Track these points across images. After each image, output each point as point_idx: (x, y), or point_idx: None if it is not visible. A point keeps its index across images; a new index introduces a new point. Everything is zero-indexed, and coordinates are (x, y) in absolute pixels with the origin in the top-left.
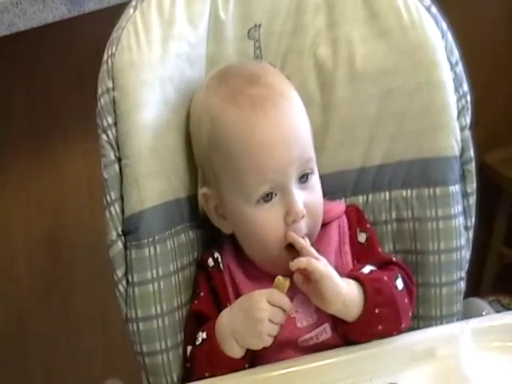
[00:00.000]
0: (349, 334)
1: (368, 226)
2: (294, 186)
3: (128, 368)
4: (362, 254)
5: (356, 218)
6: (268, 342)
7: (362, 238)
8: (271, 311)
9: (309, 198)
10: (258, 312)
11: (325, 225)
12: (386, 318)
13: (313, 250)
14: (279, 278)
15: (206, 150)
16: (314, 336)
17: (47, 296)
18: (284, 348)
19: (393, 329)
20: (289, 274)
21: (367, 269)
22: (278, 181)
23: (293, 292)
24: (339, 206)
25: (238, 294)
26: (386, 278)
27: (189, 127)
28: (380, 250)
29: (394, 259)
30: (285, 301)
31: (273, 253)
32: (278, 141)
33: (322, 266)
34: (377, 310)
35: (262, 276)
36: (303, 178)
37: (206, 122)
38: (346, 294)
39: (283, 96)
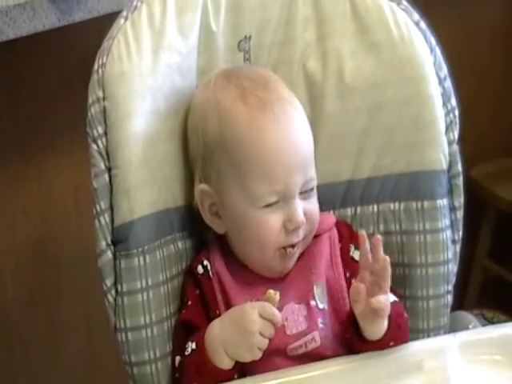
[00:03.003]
0: (353, 346)
1: None
2: (297, 194)
3: (113, 378)
4: (357, 272)
5: (348, 232)
6: (258, 355)
7: (356, 255)
8: (262, 324)
9: (308, 206)
10: (249, 325)
11: (316, 236)
12: (393, 345)
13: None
14: (270, 292)
15: (210, 146)
16: (303, 344)
17: (32, 304)
18: (273, 356)
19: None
20: (279, 281)
21: (391, 298)
22: (284, 191)
23: (283, 299)
24: (330, 218)
25: (227, 301)
26: (405, 315)
27: (182, 135)
28: None
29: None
30: (276, 315)
31: (268, 255)
32: (287, 147)
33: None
34: (391, 343)
35: (251, 281)
36: (307, 189)
37: (213, 118)
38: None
39: (291, 104)
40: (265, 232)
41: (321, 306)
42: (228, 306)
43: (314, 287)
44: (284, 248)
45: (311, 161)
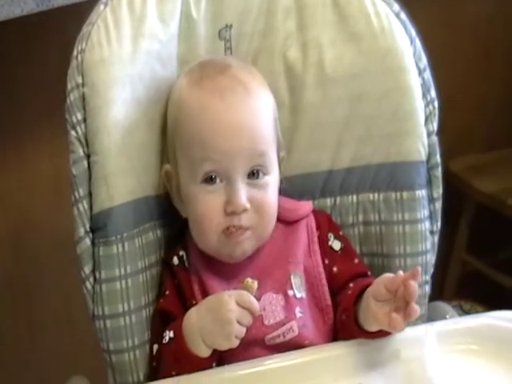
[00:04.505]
0: (348, 330)
1: (341, 233)
2: (240, 178)
3: (93, 365)
4: (338, 262)
5: (326, 221)
6: (235, 343)
7: (336, 245)
8: (240, 312)
9: (257, 194)
10: (226, 313)
11: (293, 223)
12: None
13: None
14: (248, 280)
15: (171, 130)
16: (281, 334)
17: (10, 293)
18: (251, 346)
19: None
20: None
21: None
22: (222, 165)
23: (261, 289)
24: (307, 205)
25: (204, 291)
26: None
27: (162, 123)
28: (357, 260)
29: (368, 272)
30: (254, 303)
31: (211, 237)
32: (228, 125)
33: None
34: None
35: (227, 271)
36: (254, 175)
37: (174, 103)
38: None
39: (247, 90)
40: (204, 211)
41: (298, 295)
42: (205, 295)
43: (292, 277)
44: (225, 230)
45: (262, 149)
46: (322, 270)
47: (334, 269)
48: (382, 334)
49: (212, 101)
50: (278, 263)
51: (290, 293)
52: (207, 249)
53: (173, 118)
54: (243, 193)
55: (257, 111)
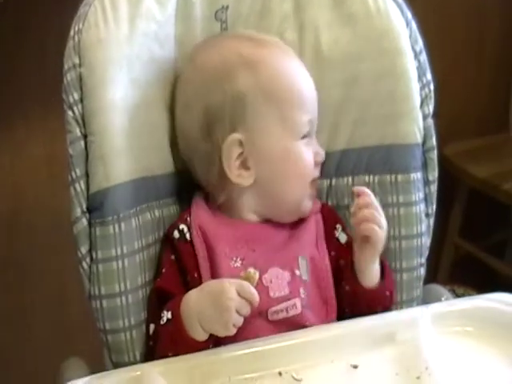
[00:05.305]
0: (355, 297)
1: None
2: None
3: (88, 345)
4: (344, 254)
5: (331, 215)
6: (232, 331)
7: (342, 238)
8: (239, 302)
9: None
10: (226, 301)
11: (304, 219)
12: (387, 305)
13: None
14: (250, 271)
15: (242, 96)
16: (284, 309)
17: (4, 275)
18: (254, 320)
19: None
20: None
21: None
22: (311, 122)
23: (268, 262)
24: (317, 204)
25: (212, 259)
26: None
27: (161, 104)
28: None
29: None
30: (254, 295)
31: (305, 188)
32: (310, 82)
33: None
34: (387, 293)
35: (239, 237)
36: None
37: (240, 70)
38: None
39: (289, 48)
40: (305, 163)
41: (304, 277)
42: (212, 264)
43: (300, 258)
44: (313, 181)
45: None
46: (327, 262)
47: (341, 261)
48: (384, 287)
49: (289, 60)
50: (287, 243)
51: (297, 272)
52: (289, 204)
53: (245, 84)
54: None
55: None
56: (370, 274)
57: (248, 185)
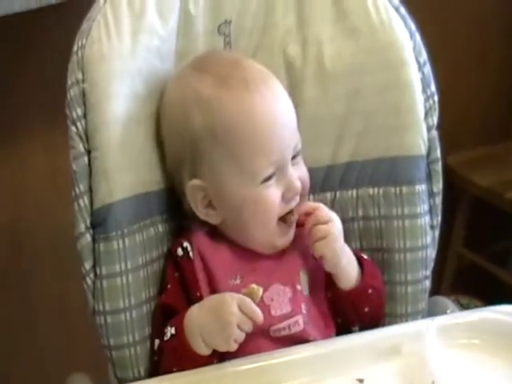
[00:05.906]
0: (338, 302)
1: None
2: (290, 164)
3: (87, 361)
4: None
5: None
6: (234, 347)
7: None
8: (240, 317)
9: (299, 172)
10: (228, 316)
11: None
12: (374, 303)
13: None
14: (253, 287)
15: (197, 141)
16: (287, 326)
17: (5, 289)
18: (256, 336)
19: (376, 316)
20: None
21: (365, 255)
22: (279, 162)
23: (269, 280)
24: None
25: (211, 281)
26: (378, 269)
27: (159, 121)
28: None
29: (365, 256)
30: (256, 312)
31: (270, 229)
32: (278, 120)
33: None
34: (370, 291)
35: (237, 260)
36: (296, 156)
37: (196, 112)
38: (344, 257)
39: (270, 77)
40: (267, 206)
41: (305, 292)
42: (211, 284)
43: (301, 273)
44: (284, 218)
45: (296, 126)
46: (323, 274)
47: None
48: (364, 285)
49: (252, 99)
50: (288, 257)
51: (298, 287)
52: (259, 244)
53: (201, 129)
54: (296, 176)
55: (285, 94)
56: (345, 275)
57: (217, 223)
